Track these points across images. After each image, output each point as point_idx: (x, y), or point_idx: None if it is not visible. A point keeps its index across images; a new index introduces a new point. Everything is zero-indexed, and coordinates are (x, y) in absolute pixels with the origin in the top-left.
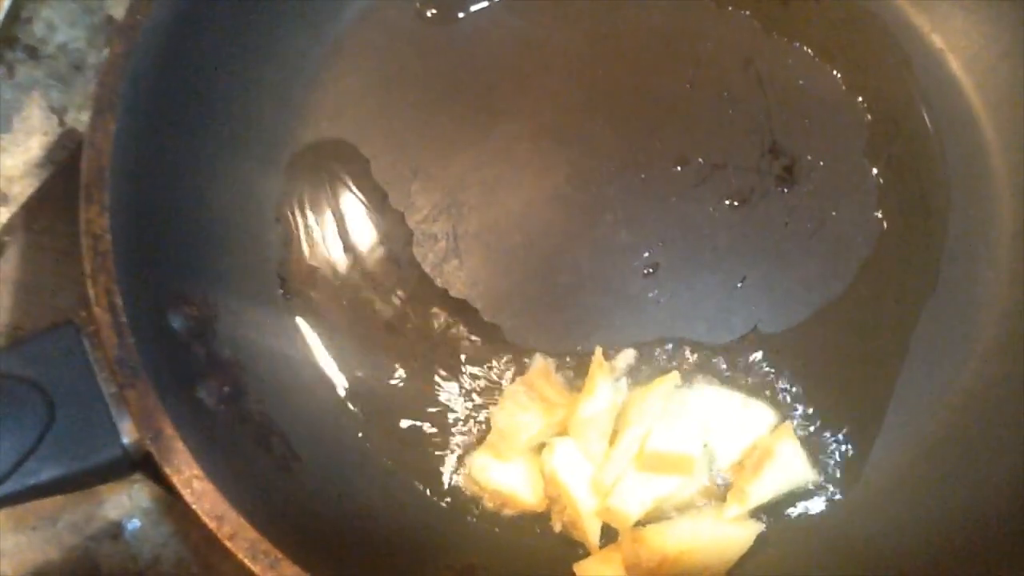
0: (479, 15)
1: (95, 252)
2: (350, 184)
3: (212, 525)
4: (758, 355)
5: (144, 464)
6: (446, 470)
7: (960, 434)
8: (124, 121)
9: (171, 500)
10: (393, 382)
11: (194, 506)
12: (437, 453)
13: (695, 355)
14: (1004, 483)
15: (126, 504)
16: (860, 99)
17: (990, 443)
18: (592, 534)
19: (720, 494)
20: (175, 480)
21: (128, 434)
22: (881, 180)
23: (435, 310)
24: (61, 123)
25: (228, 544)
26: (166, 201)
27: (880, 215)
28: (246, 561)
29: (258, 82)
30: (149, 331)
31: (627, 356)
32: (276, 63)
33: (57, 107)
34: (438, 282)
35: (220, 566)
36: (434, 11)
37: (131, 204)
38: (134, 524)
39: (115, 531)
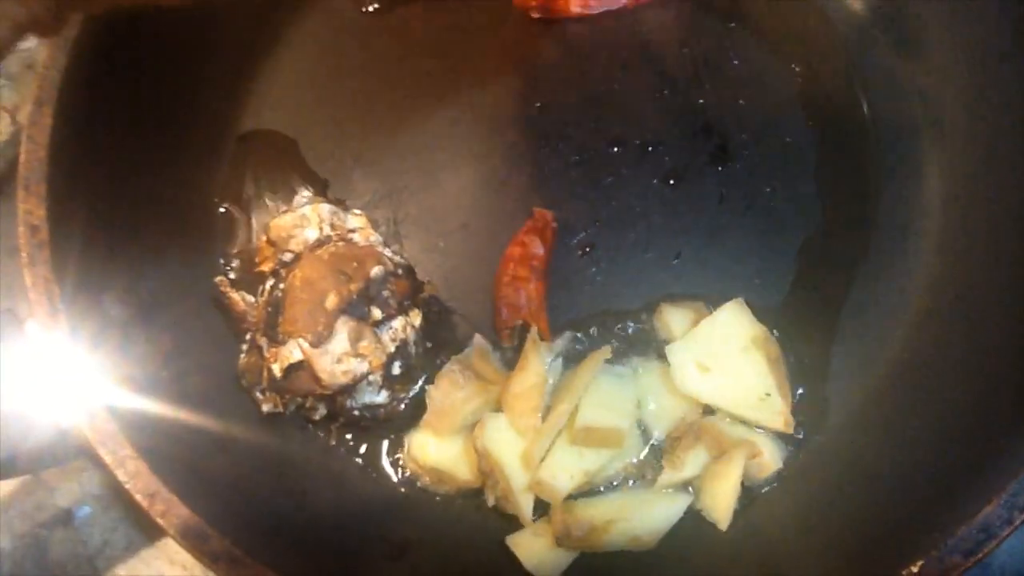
0: (418, 5)
1: (32, 242)
2: (292, 173)
3: (144, 503)
4: None
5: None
6: (385, 448)
7: (888, 402)
8: (63, 114)
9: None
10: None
11: (127, 485)
12: (376, 431)
13: (630, 331)
14: (927, 448)
15: (77, 492)
16: (796, 76)
17: (916, 410)
18: (524, 508)
19: (653, 467)
20: (108, 460)
21: (65, 417)
22: (814, 155)
23: None
24: (13, 121)
25: (160, 521)
26: (107, 191)
27: (813, 189)
28: (177, 538)
29: (201, 73)
30: (86, 318)
31: (564, 337)
32: (219, 55)
33: (9, 106)
34: None
35: (168, 547)
36: (375, 6)
37: (71, 195)
38: (84, 511)
39: (66, 518)
